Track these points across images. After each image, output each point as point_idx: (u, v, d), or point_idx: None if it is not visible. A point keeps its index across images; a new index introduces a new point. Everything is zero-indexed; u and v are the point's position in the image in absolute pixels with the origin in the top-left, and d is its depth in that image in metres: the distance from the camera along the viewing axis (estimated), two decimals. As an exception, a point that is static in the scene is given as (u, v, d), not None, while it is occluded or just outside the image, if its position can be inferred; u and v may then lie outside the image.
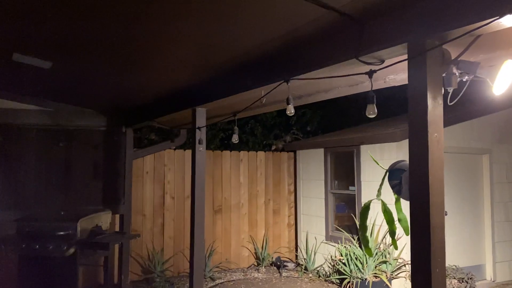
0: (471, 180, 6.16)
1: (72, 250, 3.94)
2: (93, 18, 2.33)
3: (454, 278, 5.08)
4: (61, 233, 3.97)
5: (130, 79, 3.65)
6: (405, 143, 5.41)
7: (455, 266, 5.44)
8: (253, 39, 2.54)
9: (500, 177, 6.23)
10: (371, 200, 2.48)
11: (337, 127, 8.62)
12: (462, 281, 5.05)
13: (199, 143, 3.75)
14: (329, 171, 6.70)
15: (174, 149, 6.54)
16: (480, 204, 6.21)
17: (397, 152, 5.51)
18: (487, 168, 6.20)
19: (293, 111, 2.52)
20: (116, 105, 4.92)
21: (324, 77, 2.49)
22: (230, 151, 7.05)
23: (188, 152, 6.50)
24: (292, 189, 7.41)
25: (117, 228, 5.43)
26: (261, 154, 7.25)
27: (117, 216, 5.42)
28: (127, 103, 4.79)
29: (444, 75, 1.95)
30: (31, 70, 3.37)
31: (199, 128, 3.80)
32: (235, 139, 3.34)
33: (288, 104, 2.52)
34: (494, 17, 1.58)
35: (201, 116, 3.83)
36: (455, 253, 5.77)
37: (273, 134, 8.25)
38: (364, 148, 6.04)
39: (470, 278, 5.12)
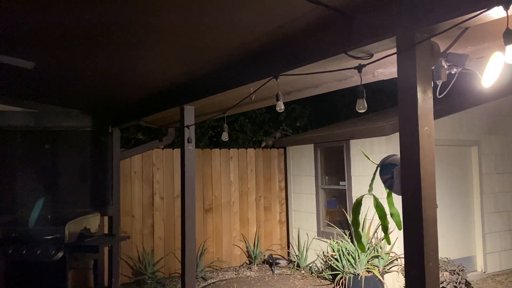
0: (460, 172, 6.24)
1: (60, 254, 3.90)
2: (76, 10, 2.28)
3: (446, 271, 5.15)
4: (49, 237, 3.93)
5: (116, 77, 3.61)
6: (395, 137, 5.44)
7: (447, 258, 5.52)
8: (241, 35, 2.53)
9: (489, 168, 6.31)
10: (363, 195, 2.49)
11: (326, 122, 8.66)
12: (454, 273, 5.12)
13: (188, 141, 3.73)
14: (319, 167, 6.72)
15: (163, 148, 6.49)
16: (470, 196, 6.29)
17: (387, 146, 5.55)
18: (476, 160, 6.28)
19: (283, 107, 2.51)
20: (102, 105, 4.86)
21: (313, 73, 2.49)
22: (220, 149, 7.03)
23: (177, 151, 6.47)
24: (283, 186, 7.42)
25: (106, 230, 5.39)
26: (251, 151, 7.24)
27: (106, 218, 5.38)
28: (113, 103, 4.74)
29: (433, 68, 1.96)
30: (13, 71, 3.31)
31: (187, 126, 3.77)
32: (224, 136, 3.33)
33: (277, 100, 2.51)
34: (483, 9, 1.59)
35: (189, 114, 3.81)
36: (446, 245, 5.84)
37: (263, 130, 8.25)
38: (353, 143, 6.06)
39: (461, 270, 5.19)
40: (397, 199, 2.16)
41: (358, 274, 5.33)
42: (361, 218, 5.55)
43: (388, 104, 8.14)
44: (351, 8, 2.06)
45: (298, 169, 7.15)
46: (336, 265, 5.64)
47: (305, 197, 6.97)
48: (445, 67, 2.00)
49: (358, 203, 2.52)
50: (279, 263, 6.83)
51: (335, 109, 9.58)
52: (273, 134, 8.21)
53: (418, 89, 1.84)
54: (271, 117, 8.47)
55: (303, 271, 6.54)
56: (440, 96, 2.16)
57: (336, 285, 5.54)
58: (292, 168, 7.27)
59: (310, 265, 6.58)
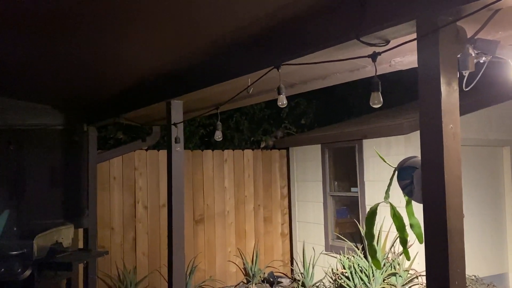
0: (490, 176, 6.25)
1: (28, 273, 3.88)
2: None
3: (474, 290, 5.15)
4: (15, 252, 3.91)
5: (92, 67, 3.60)
6: (414, 136, 5.45)
7: (475, 276, 5.52)
8: (237, 18, 2.53)
9: (523, 172, 6.33)
10: (378, 203, 2.49)
11: (335, 120, 8.67)
12: (483, 293, 5.13)
13: (176, 141, 3.73)
14: (328, 171, 6.72)
15: (146, 150, 6.49)
16: (501, 204, 6.29)
17: (406, 146, 5.56)
18: (508, 162, 6.29)
19: (285, 102, 2.51)
20: (75, 99, 4.85)
21: (320, 62, 2.49)
22: (212, 150, 7.03)
23: (163, 153, 6.46)
24: (286, 193, 7.42)
25: (81, 245, 5.37)
26: (248, 152, 7.25)
27: (81, 230, 5.36)
28: (89, 97, 4.73)
29: (459, 56, 1.96)
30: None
31: (175, 124, 3.77)
32: (218, 136, 3.33)
33: (279, 94, 2.51)
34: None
35: (177, 110, 3.81)
36: (474, 261, 5.85)
37: (262, 129, 8.25)
38: (367, 143, 6.07)
39: (492, 289, 5.19)
40: (418, 208, 2.16)
41: (373, 295, 5.34)
42: (375, 229, 5.55)
43: (407, 99, 8.15)
44: (364, -13, 2.06)
45: (303, 174, 7.16)
46: (347, 284, 5.64)
47: (311, 206, 6.98)
48: (473, 55, 2.00)
49: (373, 212, 2.52)
50: (281, 282, 6.82)
51: (346, 104, 9.59)
52: (274, 133, 8.22)
53: (442, 80, 1.84)
54: (271, 113, 8.48)
55: (309, 292, 6.54)
56: (466, 89, 2.16)
57: (347, 308, 5.54)
58: (296, 173, 7.27)
59: (317, 284, 6.58)
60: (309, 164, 7.04)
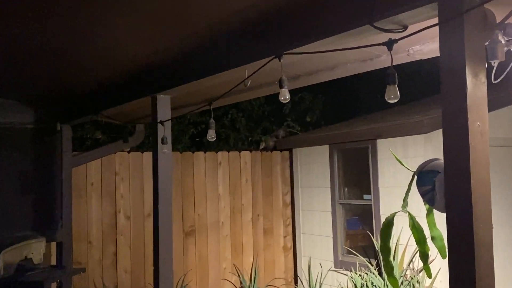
0: (522, 181, 6.25)
1: (-8, 293, 3.88)
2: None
3: (504, 311, 5.16)
4: (-23, 270, 3.90)
5: (66, 57, 3.60)
6: (436, 135, 5.45)
7: (505, 295, 5.52)
8: (232, 1, 2.52)
9: (560, 177, 6.33)
10: (395, 213, 2.49)
11: (345, 117, 8.69)
12: (515, 315, 5.13)
13: (162, 142, 3.73)
14: (337, 175, 6.73)
15: (129, 152, 6.49)
16: (535, 213, 6.30)
17: (426, 147, 5.56)
18: (543, 165, 6.30)
19: (287, 96, 2.51)
20: (47, 94, 4.85)
21: (328, 51, 2.49)
22: (205, 151, 7.03)
23: (148, 155, 6.46)
24: (289, 201, 7.42)
25: (53, 261, 5.36)
26: (246, 154, 7.25)
27: (54, 244, 5.35)
28: (63, 91, 4.73)
29: (487, 44, 1.96)
30: None
31: (161, 122, 3.77)
32: (211, 135, 3.33)
33: (281, 87, 2.51)
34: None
35: (164, 106, 3.81)
36: (505, 278, 5.85)
37: (261, 127, 8.27)
38: (382, 143, 6.08)
39: (525, 311, 5.19)
40: (440, 218, 2.15)
41: (389, 317, 5.34)
42: (392, 243, 5.55)
43: (428, 93, 8.16)
44: (378, -36, 2.06)
45: (308, 179, 7.16)
46: (359, 306, 5.63)
47: (317, 216, 6.98)
48: (503, 42, 2.00)
49: (389, 223, 2.52)
50: (284, 303, 6.81)
51: (357, 99, 9.61)
52: (275, 133, 8.22)
53: (468, 71, 1.84)
54: (272, 109, 8.49)
55: (315, 314, 6.54)
56: (496, 82, 2.16)
57: (360, 332, 5.54)
58: (301, 177, 7.27)
59: (325, 306, 6.58)
60: (315, 167, 7.03)
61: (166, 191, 3.82)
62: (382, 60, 3.04)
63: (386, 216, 2.63)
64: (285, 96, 2.52)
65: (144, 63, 3.64)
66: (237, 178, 7.13)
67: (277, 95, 2.58)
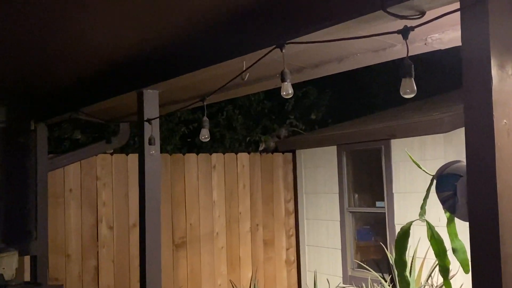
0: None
1: (-42, 313, 3.88)
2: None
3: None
4: None
5: (41, 47, 3.60)
6: (457, 135, 5.46)
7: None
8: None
9: None
10: (412, 222, 2.49)
11: (355, 114, 8.69)
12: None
13: (150, 143, 3.73)
14: (346, 180, 6.73)
15: (112, 154, 6.49)
16: None
17: (446, 148, 5.57)
18: None
19: (290, 91, 2.51)
20: (19, 89, 4.84)
21: (335, 40, 2.49)
22: (197, 153, 7.03)
23: (134, 158, 6.45)
24: (292, 209, 7.42)
25: (27, 277, 5.36)
26: (243, 156, 7.25)
27: (27, 258, 5.34)
28: (37, 86, 4.72)
29: (514, 31, 1.96)
30: None
31: (149, 120, 3.77)
32: (204, 135, 3.33)
33: (283, 81, 2.51)
34: None
35: (151, 102, 3.81)
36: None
37: (261, 126, 8.26)
38: (396, 144, 6.08)
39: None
40: (463, 227, 2.16)
41: None
42: (408, 256, 5.55)
43: (448, 87, 8.17)
44: None
45: (314, 184, 7.16)
46: (372, 326, 5.63)
47: (324, 226, 6.98)
48: (533, 30, 2.00)
49: (404, 233, 2.52)
50: (287, 324, 6.81)
51: (369, 94, 9.62)
52: (276, 132, 8.23)
53: (493, 62, 1.84)
54: (273, 106, 8.49)
55: (322, 336, 6.54)
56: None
57: None
58: (305, 182, 7.27)
59: (333, 327, 6.58)
60: (321, 171, 7.04)
61: (154, 198, 3.81)
62: (397, 50, 3.04)
63: (401, 226, 2.63)
64: (287, 90, 2.52)
65: (129, 53, 3.64)
66: (233, 183, 7.12)
67: (278, 90, 2.58)
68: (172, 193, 6.74)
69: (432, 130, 5.67)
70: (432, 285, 5.56)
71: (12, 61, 3.97)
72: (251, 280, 7.11)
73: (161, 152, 3.97)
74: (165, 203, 6.50)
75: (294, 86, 2.59)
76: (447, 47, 2.93)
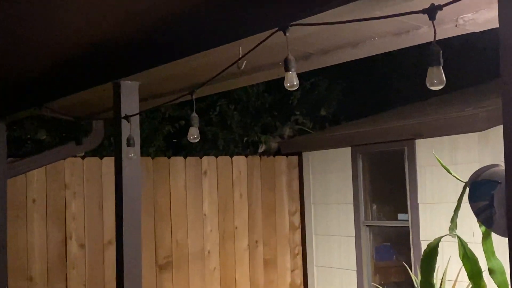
0: None
1: None
2: None
3: None
4: None
5: (-1, 32, 3.60)
6: (494, 134, 5.46)
7: None
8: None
9: None
10: (440, 238, 2.49)
11: (373, 109, 8.69)
12: None
13: (129, 144, 3.73)
14: (362, 188, 6.73)
15: (83, 157, 6.48)
16: None
17: (481, 149, 5.57)
18: None
19: (295, 82, 2.51)
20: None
21: (349, 21, 2.49)
22: (185, 156, 7.03)
23: (109, 162, 6.45)
24: (298, 222, 7.42)
25: (-18, 304, 5.36)
26: (240, 160, 7.25)
27: (-17, 281, 5.34)
28: (-5, 77, 4.72)
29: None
30: None
31: (127, 117, 3.77)
32: (193, 135, 3.32)
33: (287, 70, 2.51)
34: None
35: (130, 95, 3.82)
36: None
37: (261, 124, 8.25)
38: (422, 145, 6.08)
39: None
40: (501, 244, 2.16)
41: None
42: (436, 277, 5.54)
43: (484, 77, 8.17)
44: None
45: (324, 192, 7.15)
46: None
47: (336, 242, 6.97)
48: None
49: (432, 251, 2.52)
50: None
51: (389, 85, 9.62)
52: (279, 131, 8.22)
53: (536, 47, 1.84)
54: (274, 100, 8.48)
55: None
56: None
57: None
58: (314, 191, 7.27)
59: None
60: (333, 177, 7.03)
61: (134, 210, 3.81)
62: (422, 33, 3.04)
63: (428, 243, 2.63)
64: (292, 81, 2.52)
65: (104, 37, 3.64)
66: (228, 192, 7.12)
67: (281, 80, 2.58)
68: (155, 204, 6.73)
69: (465, 128, 5.66)
70: (464, 313, 5.56)
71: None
72: (249, 307, 7.11)
73: (142, 155, 3.96)
74: (146, 216, 6.49)
75: (300, 76, 2.59)
76: (481, 30, 2.93)
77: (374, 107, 8.90)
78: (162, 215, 6.79)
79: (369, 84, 9.59)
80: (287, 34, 2.55)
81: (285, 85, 2.52)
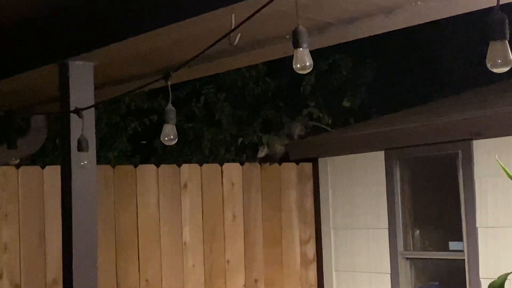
0: None
1: None
2: None
3: None
4: None
5: None
6: None
7: None
8: None
9: None
10: (507, 274, 2.50)
11: (414, 99, 8.69)
12: None
13: (80, 148, 3.73)
14: (400, 207, 6.72)
15: (18, 166, 6.49)
16: None
17: None
18: None
19: (309, 62, 2.52)
20: None
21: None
22: (157, 164, 7.03)
23: (54, 172, 6.45)
24: (312, 254, 7.42)
25: None
26: (233, 169, 7.24)
27: None
28: None
29: None
30: None
31: (78, 111, 3.77)
32: (168, 135, 3.33)
33: (297, 46, 2.51)
34: None
35: (82, 81, 3.84)
36: None
37: (261, 120, 8.26)
38: (481, 147, 6.09)
39: None
40: None
41: None
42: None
43: None
44: None
45: (347, 213, 7.16)
46: None
47: (366, 281, 6.99)
48: None
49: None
50: None
51: (436, 68, 9.62)
52: (287, 129, 8.22)
53: None
54: (280, 87, 8.49)
55: None
56: None
57: None
58: (334, 211, 7.27)
59: None
60: (361, 192, 7.03)
61: (87, 238, 3.82)
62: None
63: (491, 281, 2.64)
64: (304, 61, 2.52)
65: (47, 4, 3.64)
66: (217, 213, 7.12)
67: (289, 60, 2.59)
68: (116, 229, 6.74)
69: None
70: None
71: None
72: None
73: (98, 163, 3.97)
74: (105, 246, 6.50)
75: (314, 54, 2.60)
76: None
77: (415, 96, 8.91)
78: (127, 245, 6.78)
79: (409, 65, 9.59)
80: (296, -3, 2.56)
81: (294, 66, 2.53)
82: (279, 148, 7.91)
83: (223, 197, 7.16)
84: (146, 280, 6.86)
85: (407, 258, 6.73)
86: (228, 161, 7.44)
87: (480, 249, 6.10)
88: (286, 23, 2.63)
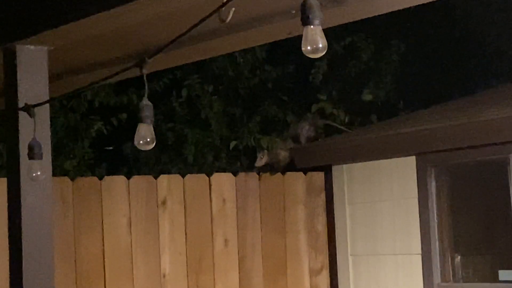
0: None
1: None
2: None
3: None
4: None
5: None
6: None
7: None
8: None
9: None
10: None
11: (452, 92, 8.71)
12: None
13: (32, 155, 3.72)
14: (437, 227, 6.74)
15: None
16: None
17: None
18: None
19: (321, 44, 2.52)
20: None
21: None
22: (128, 175, 7.04)
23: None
24: (325, 287, 7.44)
25: None
26: (224, 181, 7.26)
27: None
28: None
29: None
30: None
31: (28, 108, 3.77)
32: (144, 137, 3.33)
33: (307, 23, 2.51)
34: None
35: (33, 71, 3.85)
36: None
37: (260, 118, 8.28)
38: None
39: None
40: None
41: None
42: None
43: None
44: None
45: (370, 235, 7.18)
46: None
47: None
48: None
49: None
50: None
51: (480, 52, 9.63)
52: (293, 130, 8.23)
53: None
54: (283, 76, 8.51)
55: None
56: None
57: None
58: (352, 233, 7.29)
59: None
60: (385, 208, 7.06)
61: (41, 268, 3.83)
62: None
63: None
64: (315, 42, 2.52)
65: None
66: (204, 237, 7.14)
67: (296, 42, 2.59)
68: (77, 257, 6.76)
69: None
70: None
71: None
72: None
73: (54, 174, 3.97)
74: (63, 278, 6.51)
75: (328, 34, 2.60)
76: None
77: (454, 87, 8.93)
78: (90, 277, 6.80)
79: (445, 48, 9.60)
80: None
81: (303, 48, 2.53)
82: (283, 154, 7.92)
83: (211, 216, 7.18)
84: (116, 323, 6.88)
85: (446, 291, 6.76)
86: (218, 171, 7.45)
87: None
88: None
